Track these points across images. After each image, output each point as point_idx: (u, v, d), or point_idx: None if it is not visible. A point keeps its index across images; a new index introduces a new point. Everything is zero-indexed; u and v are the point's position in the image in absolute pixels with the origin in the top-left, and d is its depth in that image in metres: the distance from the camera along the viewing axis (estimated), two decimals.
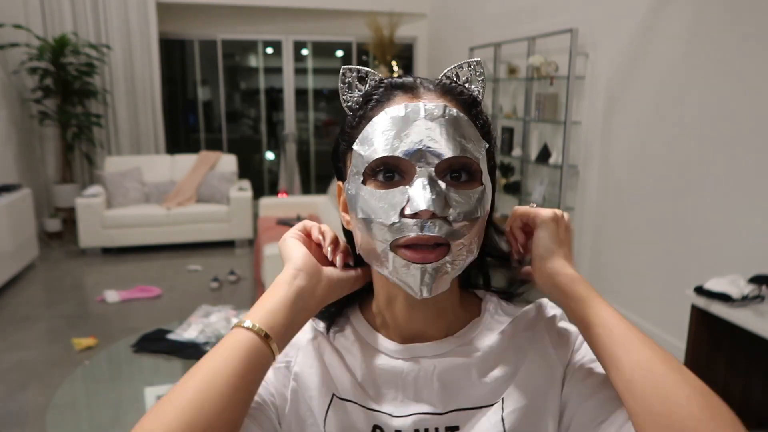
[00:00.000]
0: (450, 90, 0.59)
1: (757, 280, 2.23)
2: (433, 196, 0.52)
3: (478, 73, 0.61)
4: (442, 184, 0.54)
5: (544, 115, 4.30)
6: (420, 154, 0.54)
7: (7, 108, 5.37)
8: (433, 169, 0.54)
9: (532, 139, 4.61)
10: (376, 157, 0.55)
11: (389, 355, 0.63)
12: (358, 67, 0.61)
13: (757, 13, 2.66)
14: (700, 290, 2.23)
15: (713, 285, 2.20)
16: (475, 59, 0.62)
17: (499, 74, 5.04)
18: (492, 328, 0.65)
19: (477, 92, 0.61)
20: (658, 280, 3.36)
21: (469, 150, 0.55)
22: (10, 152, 5.35)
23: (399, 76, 0.61)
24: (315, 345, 0.67)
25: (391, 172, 0.55)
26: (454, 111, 0.56)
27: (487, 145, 0.59)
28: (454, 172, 0.55)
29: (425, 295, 0.55)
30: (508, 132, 4.94)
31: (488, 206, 0.59)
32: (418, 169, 0.54)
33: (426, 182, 0.53)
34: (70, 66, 5.53)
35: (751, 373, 2.32)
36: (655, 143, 3.36)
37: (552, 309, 0.67)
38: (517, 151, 4.77)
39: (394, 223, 0.54)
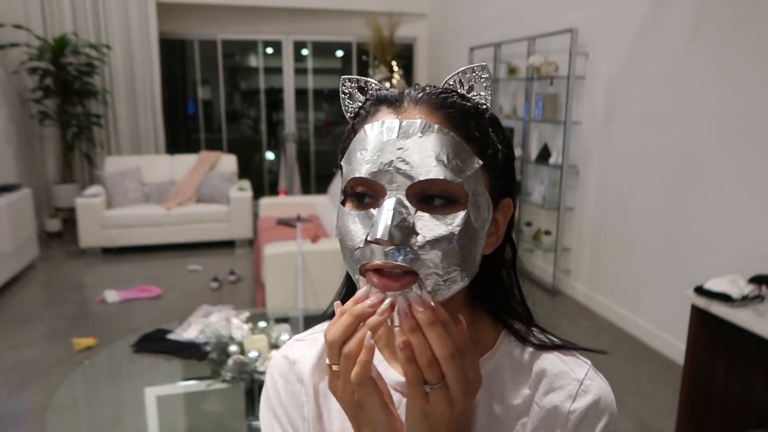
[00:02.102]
0: (436, 102, 0.53)
1: (757, 280, 2.23)
2: (393, 224, 0.49)
3: (483, 79, 0.54)
4: (412, 209, 0.50)
5: (544, 115, 4.30)
6: (390, 176, 0.50)
7: (7, 108, 5.37)
8: (404, 192, 0.50)
9: (532, 139, 4.61)
10: (351, 177, 0.53)
11: (392, 387, 0.60)
12: (357, 77, 0.59)
13: (757, 13, 2.66)
14: (700, 290, 2.23)
15: (713, 285, 2.20)
16: (480, 63, 0.55)
17: (499, 74, 5.04)
18: (504, 367, 0.60)
19: (483, 100, 0.55)
20: (658, 280, 3.36)
21: (447, 172, 0.50)
22: (10, 152, 5.35)
23: (386, 88, 0.57)
24: (315, 381, 0.65)
25: (365, 193, 0.53)
26: (435, 127, 0.51)
27: (480, 163, 0.52)
28: (429, 197, 0.51)
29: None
30: (508, 132, 4.95)
31: (474, 232, 0.52)
32: (388, 192, 0.50)
33: (391, 207, 0.49)
34: (70, 66, 5.53)
35: (751, 373, 2.32)
36: (655, 143, 3.36)
37: (589, 394, 0.58)
38: (517, 151, 4.77)
39: (360, 248, 0.51)
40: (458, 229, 0.50)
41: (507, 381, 0.59)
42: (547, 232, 4.39)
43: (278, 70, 6.99)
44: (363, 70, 7.21)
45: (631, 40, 3.53)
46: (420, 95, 0.54)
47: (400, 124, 0.51)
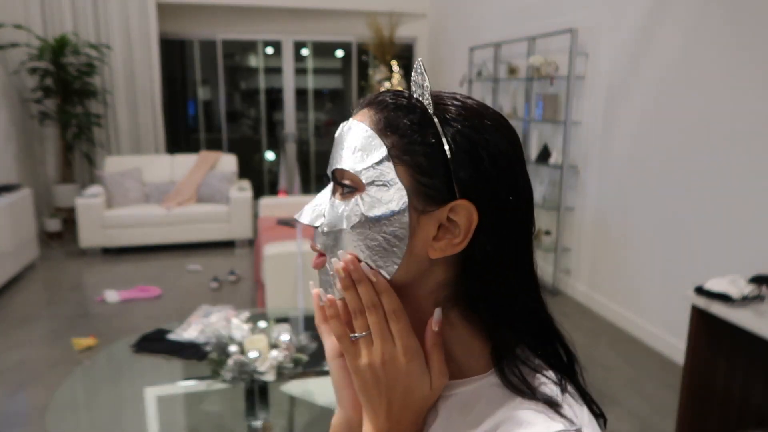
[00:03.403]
0: (372, 101, 0.56)
1: (757, 280, 2.23)
2: (308, 207, 0.57)
3: (418, 75, 0.54)
4: (328, 195, 0.57)
5: (545, 115, 4.30)
6: (330, 170, 0.57)
7: (7, 108, 5.37)
8: (332, 182, 0.57)
9: (532, 139, 4.61)
10: None
11: None
12: (403, 90, 0.59)
13: (757, 13, 2.66)
14: (700, 290, 2.23)
15: (713, 285, 2.20)
16: (418, 59, 0.54)
17: (499, 74, 5.04)
18: (482, 396, 0.54)
19: (418, 94, 0.54)
20: (658, 280, 3.36)
21: (348, 162, 0.53)
22: (10, 152, 5.35)
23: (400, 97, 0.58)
24: None
25: None
26: (355, 122, 0.55)
27: (384, 153, 0.52)
28: (339, 184, 0.55)
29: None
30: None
31: (370, 222, 0.52)
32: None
33: (319, 194, 0.58)
34: (70, 66, 5.53)
35: (751, 373, 2.32)
36: (655, 143, 3.36)
37: None
38: None
39: None
40: (345, 214, 0.54)
41: (478, 413, 0.54)
42: (547, 232, 4.39)
43: (278, 70, 6.99)
44: (363, 70, 7.21)
45: (631, 40, 3.53)
46: (368, 98, 0.57)
47: (342, 125, 0.57)
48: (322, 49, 7.65)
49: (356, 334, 0.54)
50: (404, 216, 0.51)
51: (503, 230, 0.53)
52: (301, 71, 7.25)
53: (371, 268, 0.53)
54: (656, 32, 3.32)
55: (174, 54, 7.11)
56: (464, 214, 0.51)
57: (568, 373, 0.56)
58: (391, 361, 0.53)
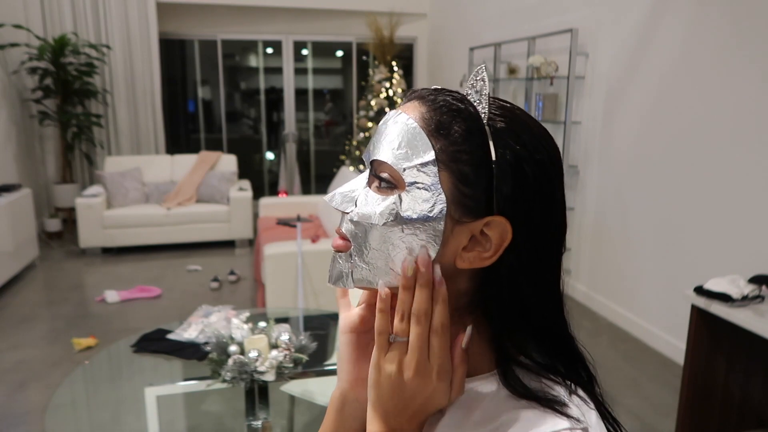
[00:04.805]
0: (424, 97, 0.54)
1: (757, 280, 2.23)
2: (340, 192, 0.56)
3: (477, 80, 0.54)
4: (362, 183, 0.56)
5: (544, 115, 4.30)
6: (368, 157, 0.56)
7: (7, 108, 5.37)
8: (368, 170, 0.56)
9: None
10: None
11: None
12: (458, 92, 0.58)
13: (757, 13, 2.66)
14: (700, 290, 2.23)
15: (713, 285, 2.20)
16: (480, 66, 0.54)
17: (499, 74, 5.04)
18: (487, 396, 0.55)
19: (479, 105, 0.52)
20: (658, 280, 3.36)
21: (390, 156, 0.52)
22: (10, 152, 5.35)
23: (448, 96, 0.55)
24: None
25: None
26: (403, 116, 0.53)
27: (432, 157, 0.51)
28: (378, 177, 0.54)
29: (328, 281, 0.58)
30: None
31: (404, 222, 0.51)
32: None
33: (353, 179, 0.56)
34: (70, 66, 5.53)
35: (751, 373, 2.32)
36: (655, 143, 3.36)
37: None
38: None
39: None
40: (380, 210, 0.52)
41: (484, 411, 0.54)
42: None
43: (278, 70, 6.99)
44: (363, 70, 7.21)
45: (631, 40, 3.53)
46: (420, 92, 0.55)
47: (387, 116, 0.56)
48: (322, 49, 7.65)
49: (395, 337, 0.52)
50: (439, 224, 0.51)
51: (533, 248, 0.52)
52: (301, 71, 7.25)
53: (441, 275, 0.51)
54: (656, 32, 3.32)
55: (174, 54, 7.11)
56: (498, 230, 0.51)
57: (587, 389, 0.55)
58: (422, 375, 0.51)
